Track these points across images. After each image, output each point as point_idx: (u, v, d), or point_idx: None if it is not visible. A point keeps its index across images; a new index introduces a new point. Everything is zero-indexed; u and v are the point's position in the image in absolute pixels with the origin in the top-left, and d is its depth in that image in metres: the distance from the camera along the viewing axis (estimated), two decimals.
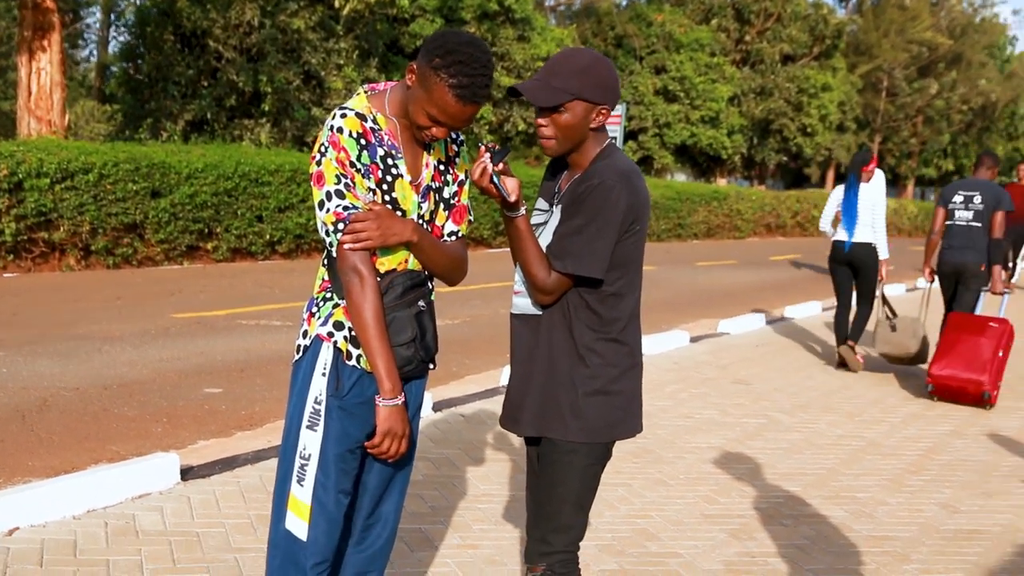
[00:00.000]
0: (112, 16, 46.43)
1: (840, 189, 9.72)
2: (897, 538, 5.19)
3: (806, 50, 43.84)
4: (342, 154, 2.77)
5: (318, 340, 2.89)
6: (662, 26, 38.77)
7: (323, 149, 2.79)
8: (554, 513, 3.08)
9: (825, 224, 9.85)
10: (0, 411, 6.56)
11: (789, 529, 5.19)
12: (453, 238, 3.06)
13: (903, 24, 50.77)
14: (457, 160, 3.08)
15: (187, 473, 5.34)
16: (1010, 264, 10.38)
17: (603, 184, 2.91)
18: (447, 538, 4.77)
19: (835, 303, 9.89)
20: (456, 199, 3.07)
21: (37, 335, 8.98)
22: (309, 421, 2.88)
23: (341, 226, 2.76)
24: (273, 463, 5.62)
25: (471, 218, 3.13)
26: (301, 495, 2.89)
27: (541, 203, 3.19)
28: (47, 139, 15.21)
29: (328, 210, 2.77)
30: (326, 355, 2.88)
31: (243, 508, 4.95)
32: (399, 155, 2.88)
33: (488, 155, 2.80)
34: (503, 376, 8.10)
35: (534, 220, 3.14)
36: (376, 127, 2.85)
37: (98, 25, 46.41)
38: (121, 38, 43.70)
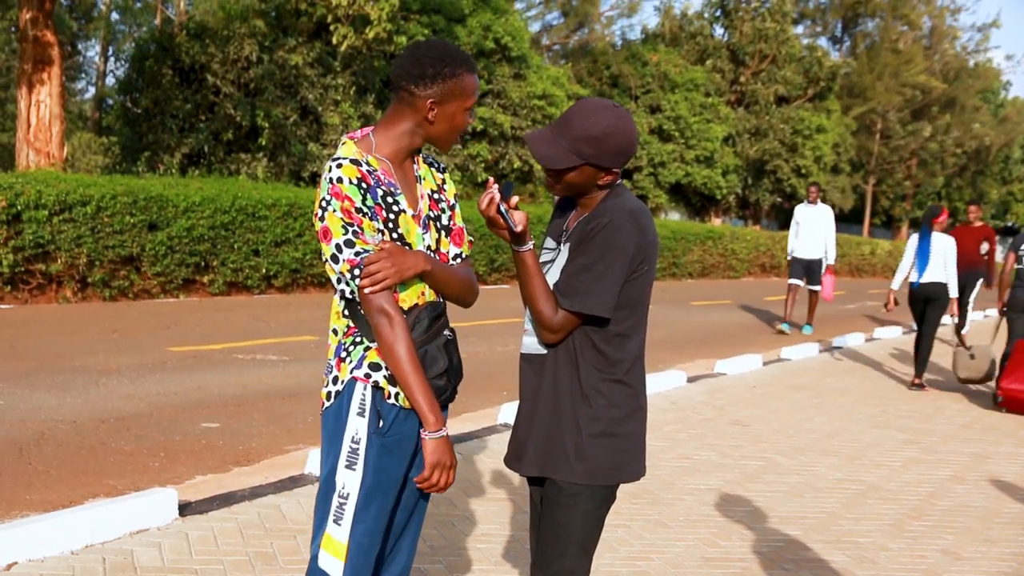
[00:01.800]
0: (110, 49, 46.68)
1: (915, 238, 11.33)
2: None
3: (800, 92, 44.02)
4: (346, 203, 2.81)
5: (353, 382, 2.90)
6: (657, 66, 38.92)
7: (324, 204, 2.83)
8: (557, 556, 3.05)
9: (900, 275, 11.51)
10: None
11: (791, 574, 5.16)
12: (458, 260, 3.09)
13: (897, 67, 50.98)
14: (445, 187, 3.13)
15: (185, 509, 5.30)
16: (959, 313, 11.17)
17: (612, 223, 2.91)
18: None
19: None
20: (452, 222, 3.11)
21: (34, 367, 8.94)
22: (347, 461, 2.89)
23: (357, 271, 2.79)
24: (270, 500, 5.61)
25: (471, 239, 3.17)
26: (338, 535, 2.89)
27: (549, 241, 3.18)
28: (46, 171, 15.22)
29: (341, 261, 2.81)
30: (363, 395, 2.89)
31: (241, 545, 4.91)
32: (398, 191, 2.94)
33: (496, 187, 2.83)
34: (500, 414, 8.07)
35: (542, 258, 3.14)
36: (371, 169, 2.90)
37: (96, 58, 46.69)
38: (119, 71, 43.96)
